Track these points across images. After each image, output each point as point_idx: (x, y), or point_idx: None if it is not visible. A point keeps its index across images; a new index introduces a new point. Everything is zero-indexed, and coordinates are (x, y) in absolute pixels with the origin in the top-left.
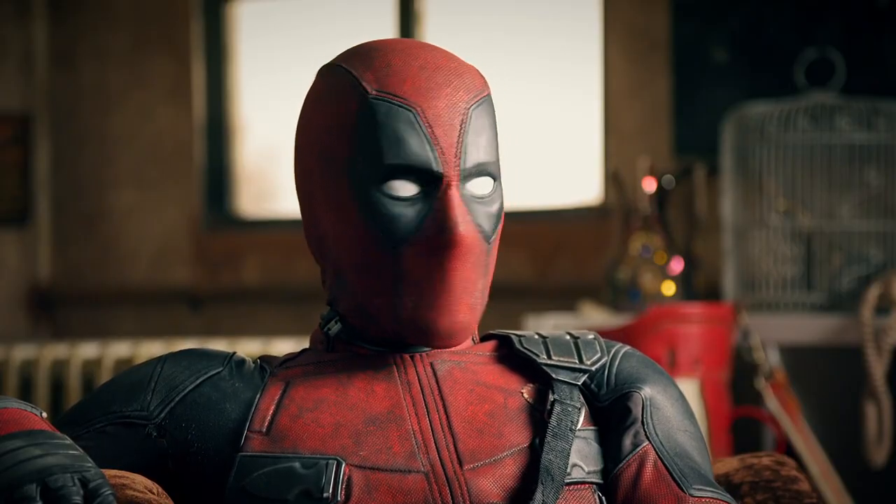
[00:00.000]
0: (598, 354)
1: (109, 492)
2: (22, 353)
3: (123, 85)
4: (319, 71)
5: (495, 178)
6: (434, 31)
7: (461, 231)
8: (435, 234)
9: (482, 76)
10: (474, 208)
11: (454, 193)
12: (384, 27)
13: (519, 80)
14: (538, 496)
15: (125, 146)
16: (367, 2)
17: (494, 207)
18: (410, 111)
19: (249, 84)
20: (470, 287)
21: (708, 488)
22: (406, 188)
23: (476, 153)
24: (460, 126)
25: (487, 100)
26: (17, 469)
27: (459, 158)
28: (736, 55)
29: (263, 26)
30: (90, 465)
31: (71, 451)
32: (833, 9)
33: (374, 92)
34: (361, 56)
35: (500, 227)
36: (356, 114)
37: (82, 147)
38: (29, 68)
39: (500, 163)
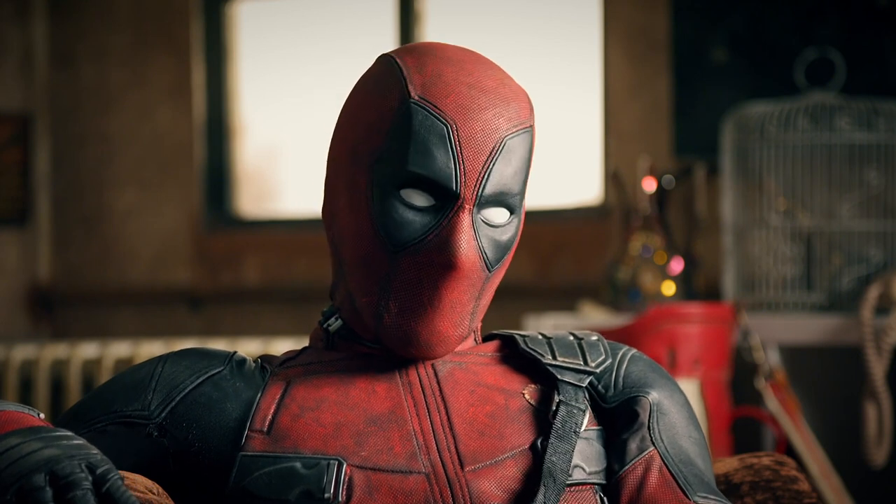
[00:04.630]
0: (603, 356)
1: (116, 476)
2: (22, 353)
3: (123, 85)
4: (378, 58)
5: (514, 210)
6: (434, 31)
7: (461, 255)
8: (435, 251)
9: (529, 106)
10: (483, 234)
11: (464, 216)
12: (384, 27)
13: (519, 80)
14: (540, 497)
15: (125, 146)
16: (367, 2)
17: (505, 237)
18: (446, 125)
19: (249, 84)
20: (458, 308)
21: (712, 496)
22: (421, 198)
23: (499, 182)
24: (490, 152)
25: (527, 132)
26: (21, 462)
27: (481, 183)
28: (736, 55)
29: (263, 26)
30: (95, 451)
31: (74, 441)
32: (833, 9)
33: (416, 97)
34: (418, 56)
35: (507, 257)
36: (394, 112)
37: (82, 147)
38: (29, 68)
39: (524, 197)
